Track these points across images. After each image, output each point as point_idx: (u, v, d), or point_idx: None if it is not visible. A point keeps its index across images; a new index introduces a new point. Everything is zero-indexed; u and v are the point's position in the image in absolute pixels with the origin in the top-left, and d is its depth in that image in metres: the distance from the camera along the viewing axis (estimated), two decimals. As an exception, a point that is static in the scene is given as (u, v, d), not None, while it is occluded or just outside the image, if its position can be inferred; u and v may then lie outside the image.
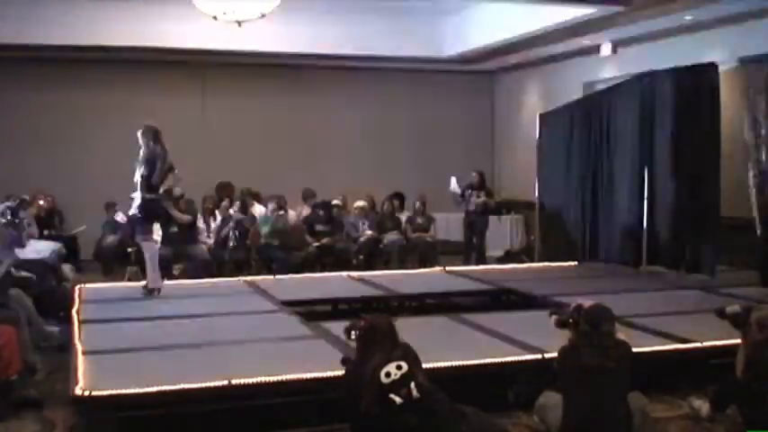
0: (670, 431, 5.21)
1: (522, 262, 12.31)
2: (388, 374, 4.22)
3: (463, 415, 4.33)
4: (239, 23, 9.73)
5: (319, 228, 11.65)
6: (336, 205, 12.13)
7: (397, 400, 4.17)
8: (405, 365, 4.27)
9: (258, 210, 12.07)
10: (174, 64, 13.78)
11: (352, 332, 4.65)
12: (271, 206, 11.72)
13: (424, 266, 11.21)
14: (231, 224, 11.48)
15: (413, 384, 4.22)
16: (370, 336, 4.48)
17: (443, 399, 4.34)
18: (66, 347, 6.42)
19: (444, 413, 4.25)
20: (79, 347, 5.83)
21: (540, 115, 12.13)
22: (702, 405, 5.25)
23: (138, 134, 7.95)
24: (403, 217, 12.56)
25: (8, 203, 9.15)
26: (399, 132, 15.04)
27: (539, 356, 5.54)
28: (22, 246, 8.59)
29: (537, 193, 11.94)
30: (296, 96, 14.55)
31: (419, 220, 12.35)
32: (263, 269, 11.08)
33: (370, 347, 4.41)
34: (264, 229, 11.51)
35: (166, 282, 8.58)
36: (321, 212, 11.80)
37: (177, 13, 11.76)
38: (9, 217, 7.91)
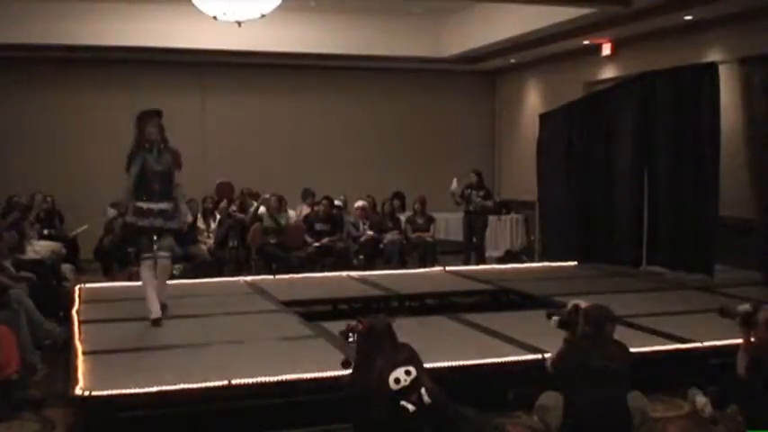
0: (670, 431, 5.21)
1: (522, 262, 12.31)
2: (397, 380, 4.16)
3: (467, 418, 4.30)
4: (239, 23, 9.73)
5: (319, 227, 11.65)
6: (338, 206, 12.14)
7: (410, 407, 4.11)
8: (413, 371, 4.21)
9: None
10: (174, 64, 13.80)
11: (350, 334, 4.61)
12: (273, 199, 11.67)
13: (424, 266, 11.21)
14: (229, 222, 11.50)
15: (423, 390, 4.18)
16: (369, 339, 4.42)
17: (450, 402, 4.31)
18: (66, 347, 6.42)
19: (454, 418, 4.22)
20: (79, 347, 5.84)
21: (540, 115, 12.13)
22: (706, 405, 5.22)
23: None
24: (403, 217, 12.56)
25: (14, 215, 9.36)
26: (400, 132, 15.05)
27: (538, 356, 5.53)
28: (23, 252, 8.71)
29: (537, 193, 11.95)
30: (296, 96, 14.57)
31: (419, 220, 12.34)
32: (263, 269, 11.09)
33: (371, 351, 4.36)
34: (267, 223, 11.49)
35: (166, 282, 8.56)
36: (321, 207, 11.75)
37: (177, 13, 11.79)
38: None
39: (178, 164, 6.82)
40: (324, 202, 11.85)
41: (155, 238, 6.74)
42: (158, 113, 6.80)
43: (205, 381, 4.97)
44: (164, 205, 6.68)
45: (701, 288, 8.56)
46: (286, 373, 5.09)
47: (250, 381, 5.00)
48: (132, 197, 6.69)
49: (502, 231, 13.98)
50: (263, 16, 9.70)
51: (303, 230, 11.66)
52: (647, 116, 9.66)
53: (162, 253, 6.79)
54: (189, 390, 4.89)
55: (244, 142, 14.15)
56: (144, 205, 6.64)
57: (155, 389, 4.83)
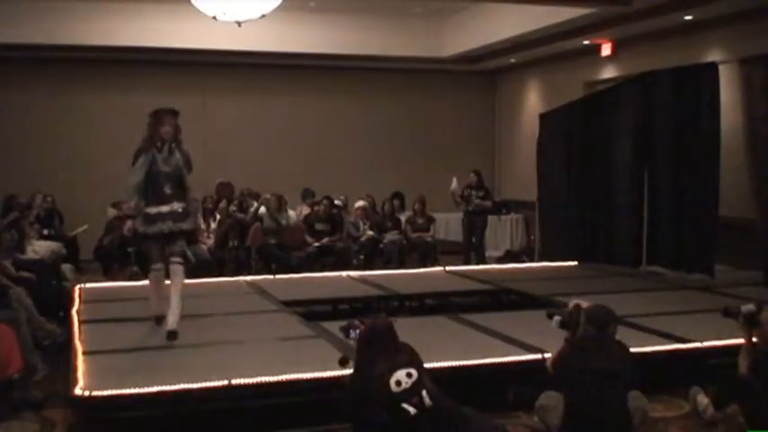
0: (670, 431, 5.21)
1: (522, 262, 12.31)
2: (398, 383, 4.13)
3: (468, 419, 4.29)
4: (239, 23, 9.73)
5: (319, 227, 11.65)
6: (338, 206, 12.14)
7: (411, 410, 4.08)
8: (414, 373, 4.18)
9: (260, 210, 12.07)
10: (174, 64, 13.79)
11: (350, 331, 4.59)
12: (273, 199, 11.68)
13: (424, 266, 11.22)
14: (229, 222, 11.51)
15: (424, 392, 4.16)
16: (371, 340, 4.39)
17: (450, 403, 4.30)
18: (66, 347, 6.42)
19: (455, 419, 4.21)
20: (79, 347, 5.83)
21: (540, 115, 12.13)
22: (708, 405, 5.21)
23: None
24: (403, 217, 12.56)
25: (13, 215, 9.37)
26: (399, 132, 15.05)
27: (539, 356, 5.53)
28: (23, 252, 8.70)
29: (537, 193, 11.95)
30: (296, 96, 14.57)
31: (419, 220, 12.35)
32: (263, 269, 11.09)
33: (372, 352, 4.33)
34: (267, 223, 11.50)
35: (166, 282, 8.55)
36: (321, 207, 11.75)
37: (177, 13, 11.78)
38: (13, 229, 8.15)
39: (189, 166, 6.45)
40: (324, 202, 11.86)
41: (171, 243, 6.35)
42: (175, 113, 6.41)
43: (205, 381, 4.96)
44: (173, 206, 6.30)
45: (701, 288, 8.56)
46: (286, 373, 5.08)
47: (250, 381, 5.00)
48: (141, 201, 6.30)
49: (502, 231, 13.99)
50: (262, 16, 9.70)
51: (303, 230, 11.66)
52: (647, 116, 9.66)
53: (174, 258, 6.36)
54: (189, 390, 4.89)
55: (244, 142, 14.15)
56: (152, 210, 6.27)
57: (155, 389, 4.82)
